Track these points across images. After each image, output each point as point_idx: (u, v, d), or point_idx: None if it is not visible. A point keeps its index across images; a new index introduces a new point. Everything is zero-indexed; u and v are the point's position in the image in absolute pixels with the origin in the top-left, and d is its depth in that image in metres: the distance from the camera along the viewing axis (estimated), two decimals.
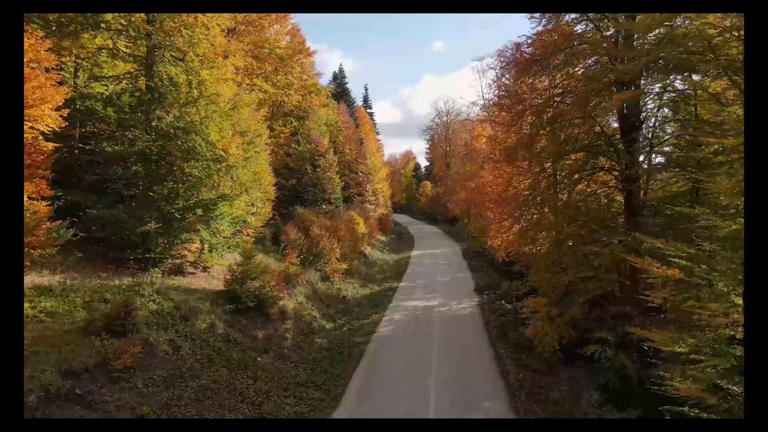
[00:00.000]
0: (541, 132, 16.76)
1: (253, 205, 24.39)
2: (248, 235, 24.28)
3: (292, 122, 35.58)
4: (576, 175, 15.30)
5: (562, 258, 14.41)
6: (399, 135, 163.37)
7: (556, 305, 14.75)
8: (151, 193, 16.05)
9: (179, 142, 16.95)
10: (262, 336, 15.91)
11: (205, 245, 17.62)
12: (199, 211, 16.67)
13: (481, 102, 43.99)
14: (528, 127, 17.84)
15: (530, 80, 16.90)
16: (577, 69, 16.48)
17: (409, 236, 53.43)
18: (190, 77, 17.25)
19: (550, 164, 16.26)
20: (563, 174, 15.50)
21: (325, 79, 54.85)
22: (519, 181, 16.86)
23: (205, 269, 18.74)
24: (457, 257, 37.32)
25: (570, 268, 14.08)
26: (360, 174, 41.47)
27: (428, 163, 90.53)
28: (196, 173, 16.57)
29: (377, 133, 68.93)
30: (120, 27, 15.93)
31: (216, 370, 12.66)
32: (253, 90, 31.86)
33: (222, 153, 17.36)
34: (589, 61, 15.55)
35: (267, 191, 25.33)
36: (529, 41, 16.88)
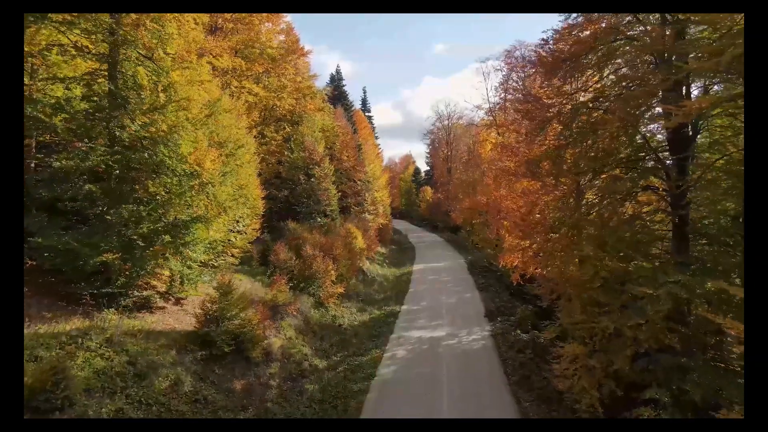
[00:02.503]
0: (570, 143, 14.28)
1: (238, 221, 21.85)
2: (233, 255, 21.74)
3: (284, 128, 33.02)
4: (618, 196, 12.74)
5: (603, 298, 11.84)
6: (399, 137, 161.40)
7: (595, 354, 12.19)
8: (108, 217, 13.45)
9: (146, 155, 14.39)
10: (240, 387, 13.30)
11: (176, 276, 15.01)
12: (167, 237, 14.06)
13: (487, 106, 41.48)
14: (554, 137, 15.35)
15: (559, 82, 14.37)
16: (614, 69, 14.03)
17: (409, 246, 50.84)
18: (160, 79, 14.73)
19: (584, 182, 13.76)
20: (600, 194, 12.93)
21: (323, 82, 52.50)
22: (547, 202, 14.31)
23: (178, 301, 16.14)
24: (463, 272, 34.74)
25: (614, 312, 11.50)
26: (358, 182, 38.90)
27: (428, 168, 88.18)
28: (163, 192, 13.96)
29: (376, 137, 66.40)
30: (70, 19, 13.35)
31: None
32: (242, 93, 29.36)
33: (197, 168, 14.77)
34: (631, 61, 13.02)
35: (254, 206, 22.77)
36: (557, 36, 14.41)
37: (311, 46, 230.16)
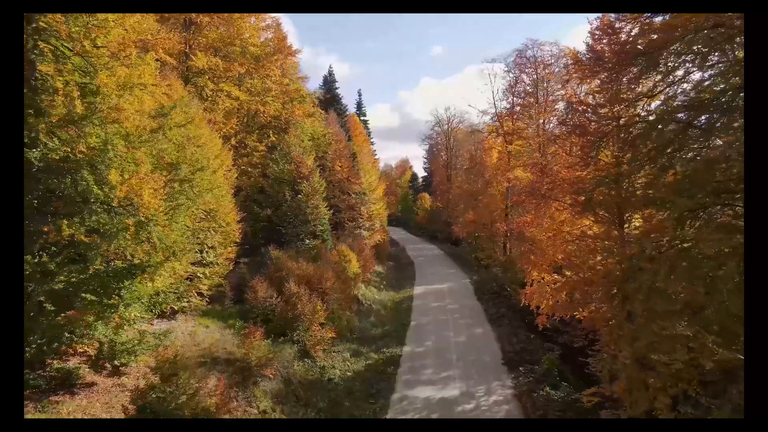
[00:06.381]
0: (637, 167, 10.69)
1: (207, 252, 18.08)
2: (201, 293, 17.99)
3: (269, 136, 29.22)
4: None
5: (704, 399, 8.21)
6: (396, 139, 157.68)
7: None
8: None
9: (68, 180, 10.68)
10: None
11: (105, 345, 11.21)
12: (89, 296, 10.26)
13: (493, 110, 37.92)
14: (610, 157, 11.75)
15: (623, 86, 10.76)
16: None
17: (408, 262, 47.08)
18: (91, 80, 11.02)
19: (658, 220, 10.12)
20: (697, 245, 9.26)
21: (317, 84, 48.53)
22: (608, 250, 10.66)
23: (116, 370, 12.32)
24: (470, 298, 31.01)
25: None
26: (353, 195, 35.14)
27: (426, 174, 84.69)
28: (83, 236, 10.13)
29: (372, 142, 62.67)
30: None
31: None
32: (219, 97, 25.61)
33: (136, 199, 10.97)
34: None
35: (228, 232, 19.02)
36: (617, 26, 10.83)
37: (309, 48, 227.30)
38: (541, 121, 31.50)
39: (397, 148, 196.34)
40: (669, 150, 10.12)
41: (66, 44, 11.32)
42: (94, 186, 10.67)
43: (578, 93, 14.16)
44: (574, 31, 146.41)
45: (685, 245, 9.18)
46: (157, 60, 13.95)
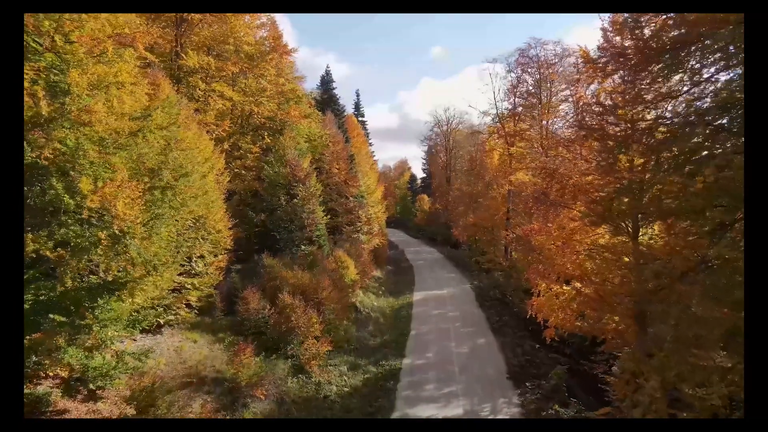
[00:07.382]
0: (662, 175, 9.76)
1: (194, 261, 17.11)
2: (189, 304, 17.03)
3: (263, 137, 28.24)
4: None
5: None
6: (395, 140, 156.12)
7: None
8: None
9: (35, 189, 9.74)
10: None
11: (78, 368, 10.22)
12: (57, 317, 9.27)
13: (494, 111, 37.04)
14: (626, 163, 10.83)
15: (644, 85, 9.83)
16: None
17: (407, 265, 46.16)
18: (57, 79, 10.08)
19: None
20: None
21: (314, 84, 47.62)
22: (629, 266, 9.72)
23: (92, 395, 11.32)
24: (471, 304, 30.08)
25: None
26: (351, 199, 34.16)
27: (425, 175, 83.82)
28: (49, 251, 9.16)
29: (371, 143, 61.71)
30: None
31: None
32: (211, 98, 24.62)
33: (110, 209, 9.98)
34: None
35: (218, 240, 18.05)
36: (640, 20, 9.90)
37: (308, 48, 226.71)
38: (545, 122, 30.63)
39: (396, 149, 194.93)
40: (697, 156, 9.24)
41: (36, 39, 10.42)
42: (65, 195, 9.71)
43: (588, 93, 13.16)
44: (575, 31, 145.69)
45: (719, 262, 8.25)
46: (143, 59, 12.95)
